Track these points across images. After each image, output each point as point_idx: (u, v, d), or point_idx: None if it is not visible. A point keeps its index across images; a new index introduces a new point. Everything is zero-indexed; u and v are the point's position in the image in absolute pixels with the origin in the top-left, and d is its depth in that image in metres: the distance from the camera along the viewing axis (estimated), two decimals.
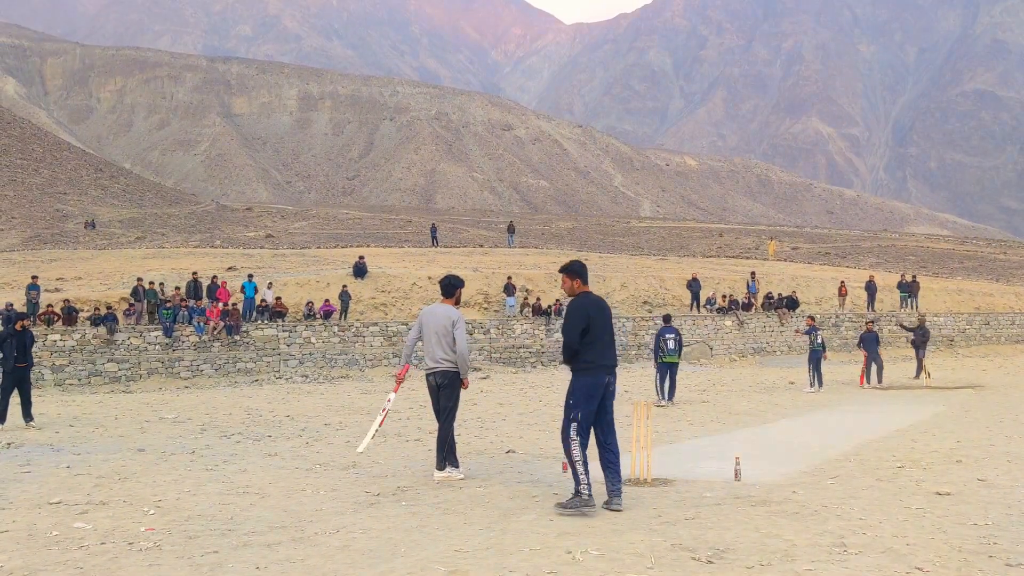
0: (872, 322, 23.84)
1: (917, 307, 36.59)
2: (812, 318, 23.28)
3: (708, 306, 33.90)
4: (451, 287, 8.55)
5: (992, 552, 5.33)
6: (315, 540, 5.99)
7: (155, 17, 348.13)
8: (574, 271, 7.12)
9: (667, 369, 17.71)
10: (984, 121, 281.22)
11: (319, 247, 47.07)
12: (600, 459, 6.93)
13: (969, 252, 69.84)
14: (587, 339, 6.85)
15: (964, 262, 61.77)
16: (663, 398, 17.59)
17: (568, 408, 6.81)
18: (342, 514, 6.90)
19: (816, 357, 20.88)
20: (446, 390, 8.44)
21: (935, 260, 61.61)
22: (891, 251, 66.26)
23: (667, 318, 19.34)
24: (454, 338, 8.26)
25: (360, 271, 32.55)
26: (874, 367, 21.74)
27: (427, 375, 8.55)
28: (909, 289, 37.48)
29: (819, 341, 21.14)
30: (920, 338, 24.20)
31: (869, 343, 21.79)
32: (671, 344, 17.76)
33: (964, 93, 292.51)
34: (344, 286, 30.02)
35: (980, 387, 20.88)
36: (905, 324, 29.64)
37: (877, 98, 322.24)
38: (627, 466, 8.76)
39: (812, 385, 20.62)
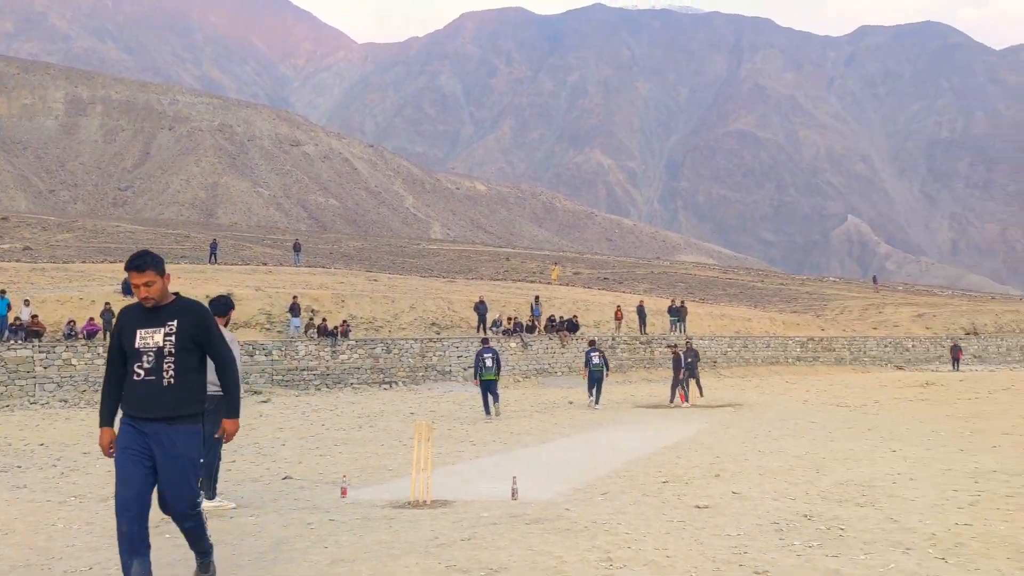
0: (674, 346, 25.43)
1: (685, 331, 39.08)
2: (592, 340, 24.49)
3: (494, 328, 34.57)
4: (225, 307, 8.31)
5: (742, 561, 5.71)
6: None
7: None
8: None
9: (487, 385, 19.42)
10: (745, 159, 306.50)
11: (84, 261, 43.84)
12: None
13: (731, 280, 75.60)
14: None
15: (727, 289, 66.78)
16: (488, 412, 19.25)
17: (198, 466, 5.01)
18: (97, 550, 6.38)
19: (596, 377, 21.98)
20: (211, 415, 8.06)
21: (701, 287, 66.20)
22: (663, 278, 70.54)
23: (485, 340, 22.85)
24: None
25: (129, 288, 30.50)
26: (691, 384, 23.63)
27: None
28: (678, 314, 40.00)
29: (596, 362, 22.17)
30: (693, 359, 25.94)
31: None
32: (488, 363, 19.50)
33: (729, 133, 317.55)
34: (108, 304, 27.95)
35: (739, 405, 22.54)
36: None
37: (652, 134, 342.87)
38: (406, 488, 8.72)
39: (592, 403, 21.73)
